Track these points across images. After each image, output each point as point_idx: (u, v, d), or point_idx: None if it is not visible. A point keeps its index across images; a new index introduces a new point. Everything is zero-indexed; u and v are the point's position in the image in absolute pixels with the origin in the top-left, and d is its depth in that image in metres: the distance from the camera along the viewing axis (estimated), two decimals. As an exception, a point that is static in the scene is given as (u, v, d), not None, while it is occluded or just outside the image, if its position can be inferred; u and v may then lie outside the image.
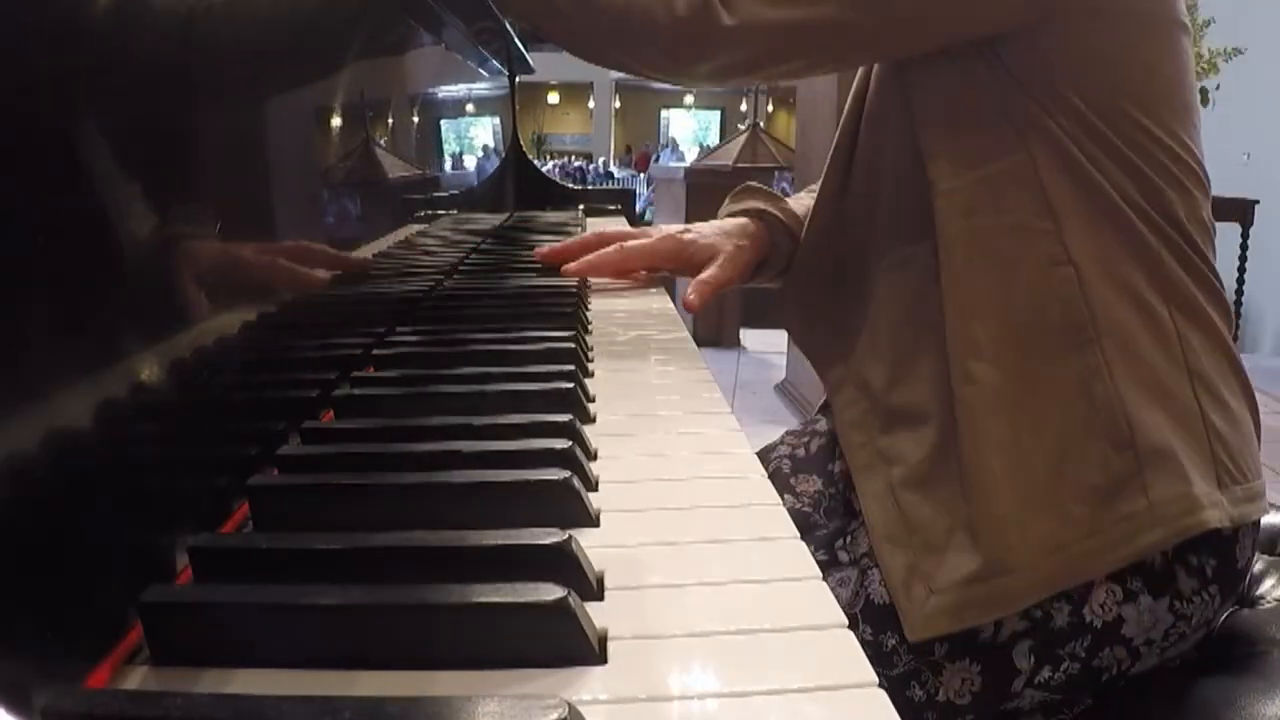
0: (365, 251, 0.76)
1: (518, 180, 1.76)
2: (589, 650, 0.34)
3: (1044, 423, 0.71)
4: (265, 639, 0.34)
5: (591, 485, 0.50)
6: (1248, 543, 0.74)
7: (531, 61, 1.85)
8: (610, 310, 0.98)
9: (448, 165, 1.21)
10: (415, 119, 1.01)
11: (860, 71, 0.90)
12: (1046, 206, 0.73)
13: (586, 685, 0.32)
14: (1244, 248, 4.04)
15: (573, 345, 0.72)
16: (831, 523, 0.93)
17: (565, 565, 0.37)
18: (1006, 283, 0.73)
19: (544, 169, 2.01)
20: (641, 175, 12.91)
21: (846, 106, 0.91)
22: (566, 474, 0.44)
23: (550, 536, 0.38)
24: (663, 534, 0.44)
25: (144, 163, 0.40)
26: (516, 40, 1.68)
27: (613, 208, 1.83)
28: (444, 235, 1.09)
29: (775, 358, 4.03)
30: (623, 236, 1.07)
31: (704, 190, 4.08)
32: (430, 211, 1.05)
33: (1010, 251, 0.74)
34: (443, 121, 1.20)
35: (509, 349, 0.73)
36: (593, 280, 1.11)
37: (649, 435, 0.58)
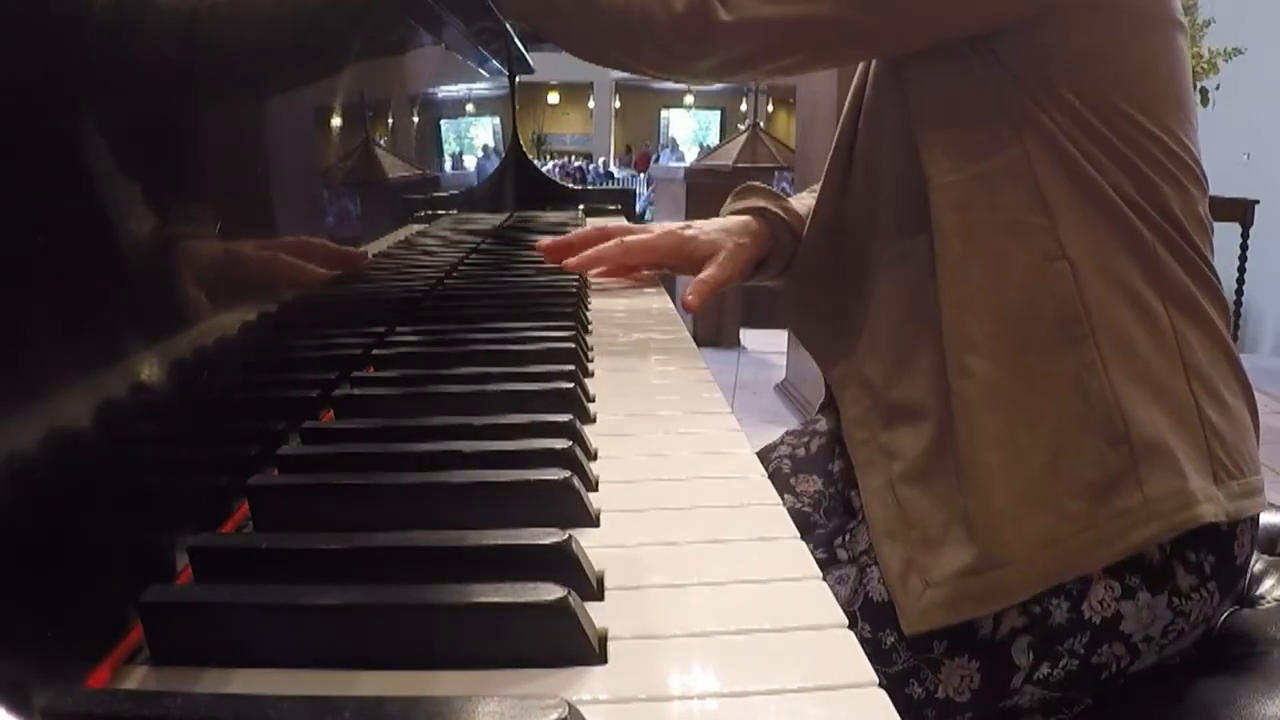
0: (365, 251, 0.76)
1: (518, 180, 1.76)
2: (589, 650, 0.34)
3: (1039, 417, 0.71)
4: (265, 639, 0.34)
5: (591, 485, 0.50)
6: (1246, 539, 0.74)
7: (531, 61, 1.85)
8: (610, 310, 0.98)
9: (448, 165, 1.21)
10: (415, 119, 1.01)
11: (859, 69, 0.90)
12: (1041, 202, 0.73)
13: (586, 685, 0.32)
14: (1244, 248, 4.04)
15: (573, 345, 0.72)
16: (831, 522, 0.93)
17: (565, 565, 0.37)
18: (1001, 278, 0.74)
19: (544, 169, 2.01)
20: (641, 175, 12.91)
21: (845, 105, 0.91)
22: (566, 474, 0.45)
23: (550, 536, 0.38)
24: (663, 534, 0.44)
25: (144, 163, 0.40)
26: (516, 40, 1.68)
27: (612, 208, 1.83)
28: (444, 235, 1.09)
29: (775, 358, 4.02)
30: (624, 231, 1.07)
31: (704, 190, 4.08)
32: (430, 211, 1.05)
33: (1005, 247, 0.74)
34: (443, 121, 1.20)
35: (509, 349, 0.73)
36: (592, 280, 1.11)
37: (649, 435, 0.58)
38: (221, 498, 0.45)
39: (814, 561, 0.41)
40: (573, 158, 18.10)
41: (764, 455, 1.02)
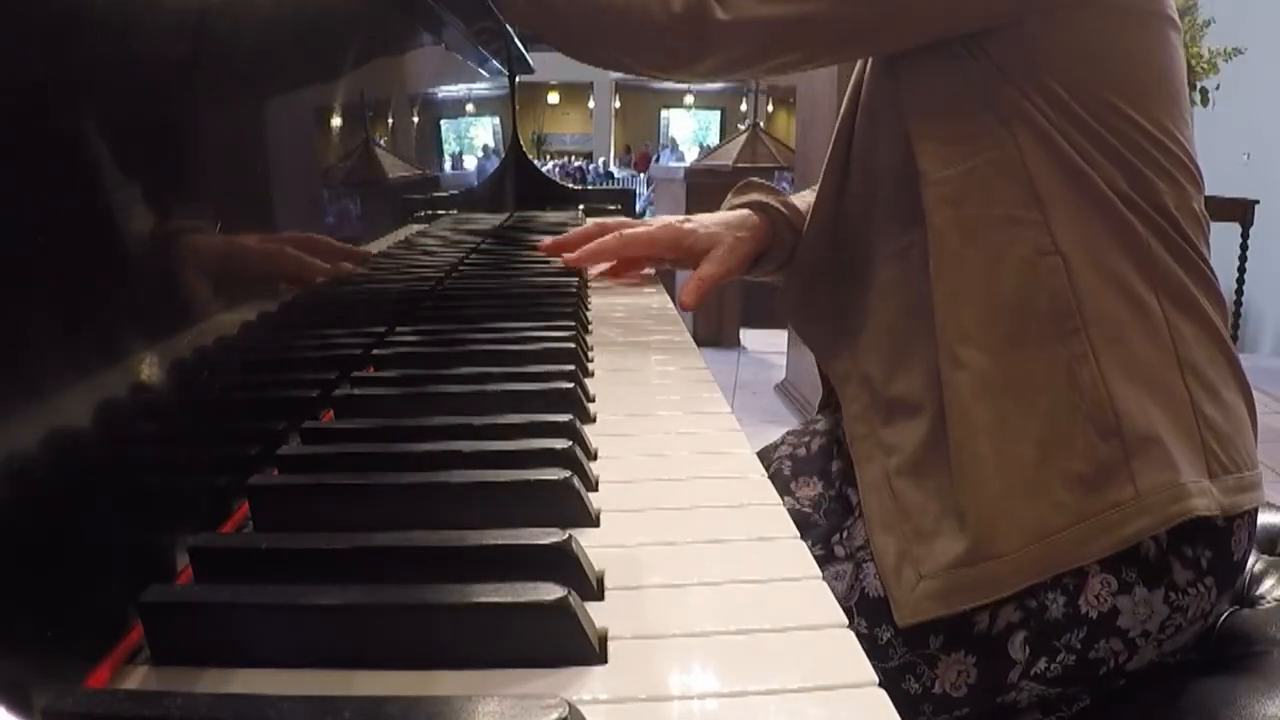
0: (365, 252, 0.76)
1: (518, 180, 1.76)
2: (589, 650, 0.34)
3: (1031, 410, 0.71)
4: (265, 639, 0.34)
5: (591, 485, 0.50)
6: (1243, 535, 0.74)
7: (531, 61, 1.85)
8: (610, 310, 0.98)
9: (448, 165, 1.21)
10: (415, 119, 1.01)
11: (856, 68, 0.91)
12: (1034, 197, 0.73)
13: (586, 685, 0.32)
14: (1244, 248, 4.04)
15: (572, 345, 0.72)
16: (830, 521, 0.93)
17: (565, 565, 0.37)
18: (994, 271, 0.74)
19: (544, 169, 2.01)
20: (641, 175, 12.91)
21: (843, 104, 0.91)
22: (566, 474, 0.45)
23: (550, 536, 0.38)
24: (662, 534, 0.44)
25: (144, 163, 0.40)
26: (516, 40, 1.68)
27: (612, 207, 1.83)
28: (444, 235, 1.09)
29: (775, 358, 4.02)
30: (623, 226, 1.08)
31: (704, 190, 4.08)
32: (430, 211, 1.05)
33: (998, 241, 0.74)
34: (443, 121, 1.20)
35: (509, 349, 0.73)
36: (592, 279, 1.11)
37: (649, 435, 0.58)
38: (221, 498, 0.45)
39: (814, 561, 0.41)
40: (573, 158, 18.10)
41: (764, 455, 1.03)
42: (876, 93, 0.86)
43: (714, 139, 19.11)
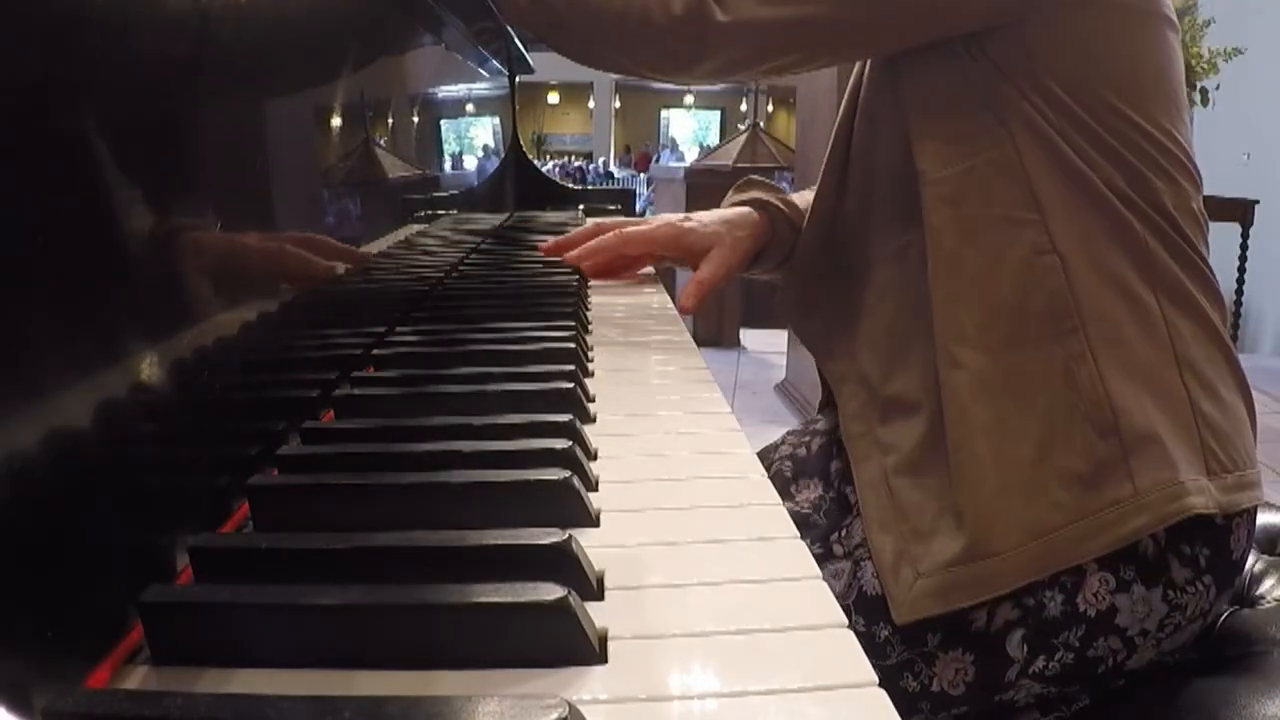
0: (365, 251, 0.76)
1: (518, 180, 1.76)
2: (589, 650, 0.34)
3: (1028, 408, 0.71)
4: (265, 639, 0.34)
5: (591, 485, 0.50)
6: (1242, 534, 0.74)
7: (531, 61, 1.85)
8: (610, 309, 0.98)
9: (448, 165, 1.21)
10: (415, 119, 1.01)
11: (855, 68, 0.91)
12: (1032, 197, 0.74)
13: (586, 685, 0.32)
14: (1244, 248, 4.03)
15: (572, 345, 0.72)
16: (828, 521, 0.93)
17: (565, 565, 0.37)
18: (992, 271, 0.74)
19: (544, 169, 2.01)
20: (641, 175, 12.90)
21: (842, 104, 0.91)
22: (566, 474, 0.45)
23: (550, 536, 0.38)
24: (662, 534, 0.44)
25: (144, 162, 0.40)
26: (516, 40, 1.68)
27: (613, 207, 1.83)
28: (444, 235, 1.09)
29: (775, 358, 4.02)
30: (622, 225, 1.08)
31: (704, 190, 4.08)
32: (430, 211, 1.05)
33: (996, 241, 0.74)
34: (443, 121, 1.20)
35: (509, 349, 0.73)
36: (592, 279, 1.11)
37: (649, 435, 0.58)
38: (221, 498, 0.45)
39: (814, 561, 0.41)
40: (573, 158, 18.10)
41: (765, 455, 1.03)
42: (876, 92, 0.86)
43: (714, 139, 19.11)
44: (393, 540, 0.39)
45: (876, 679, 0.33)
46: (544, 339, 0.75)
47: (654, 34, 0.80)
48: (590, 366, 0.74)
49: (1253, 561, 0.87)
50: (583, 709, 0.30)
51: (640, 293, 1.09)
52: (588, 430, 0.57)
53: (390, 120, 0.90)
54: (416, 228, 0.96)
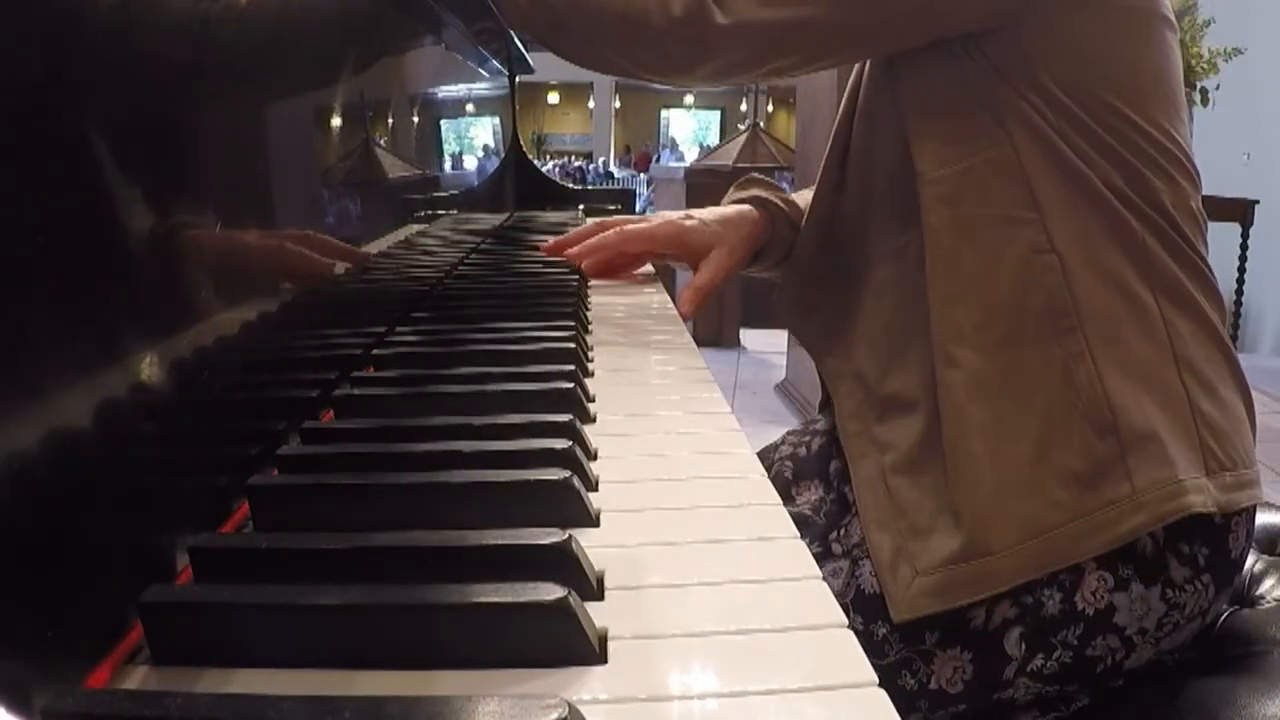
0: (365, 251, 0.76)
1: (518, 180, 1.76)
2: (589, 650, 0.34)
3: (1026, 408, 0.71)
4: (265, 639, 0.34)
5: (591, 485, 0.50)
6: (1241, 533, 0.74)
7: (531, 61, 1.85)
8: (610, 309, 0.98)
9: (448, 165, 1.21)
10: (415, 119, 1.01)
11: (854, 69, 0.91)
12: (1030, 197, 0.74)
13: (586, 685, 0.32)
14: (1244, 248, 4.03)
15: (572, 345, 0.72)
16: (828, 520, 0.93)
17: (565, 565, 0.37)
18: (990, 271, 0.74)
19: (544, 169, 2.01)
20: (641, 175, 12.91)
21: (841, 104, 0.91)
22: (566, 474, 0.44)
23: (550, 536, 0.38)
24: (662, 534, 0.44)
25: (143, 163, 0.40)
26: (516, 40, 1.68)
27: (613, 207, 1.83)
28: (444, 235, 1.09)
29: (775, 358, 4.02)
30: (623, 224, 1.08)
31: (704, 190, 4.08)
32: (430, 211, 1.05)
33: (994, 240, 0.74)
34: (443, 121, 1.20)
35: (509, 349, 0.73)
36: (592, 278, 1.11)
37: (649, 435, 0.58)
38: (221, 498, 0.45)
39: (814, 561, 0.41)
40: (573, 158, 18.10)
41: (765, 455, 1.03)
42: (874, 92, 0.86)
43: (714, 139, 19.12)
44: (393, 540, 0.39)
45: (877, 679, 0.33)
46: (544, 339, 0.75)
47: (654, 36, 0.80)
48: (590, 366, 0.74)
49: (1252, 561, 0.87)
50: (583, 709, 0.30)
51: (640, 293, 1.09)
52: (588, 430, 0.57)
53: (390, 120, 0.90)
54: (416, 228, 0.96)
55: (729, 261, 0.98)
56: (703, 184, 4.21)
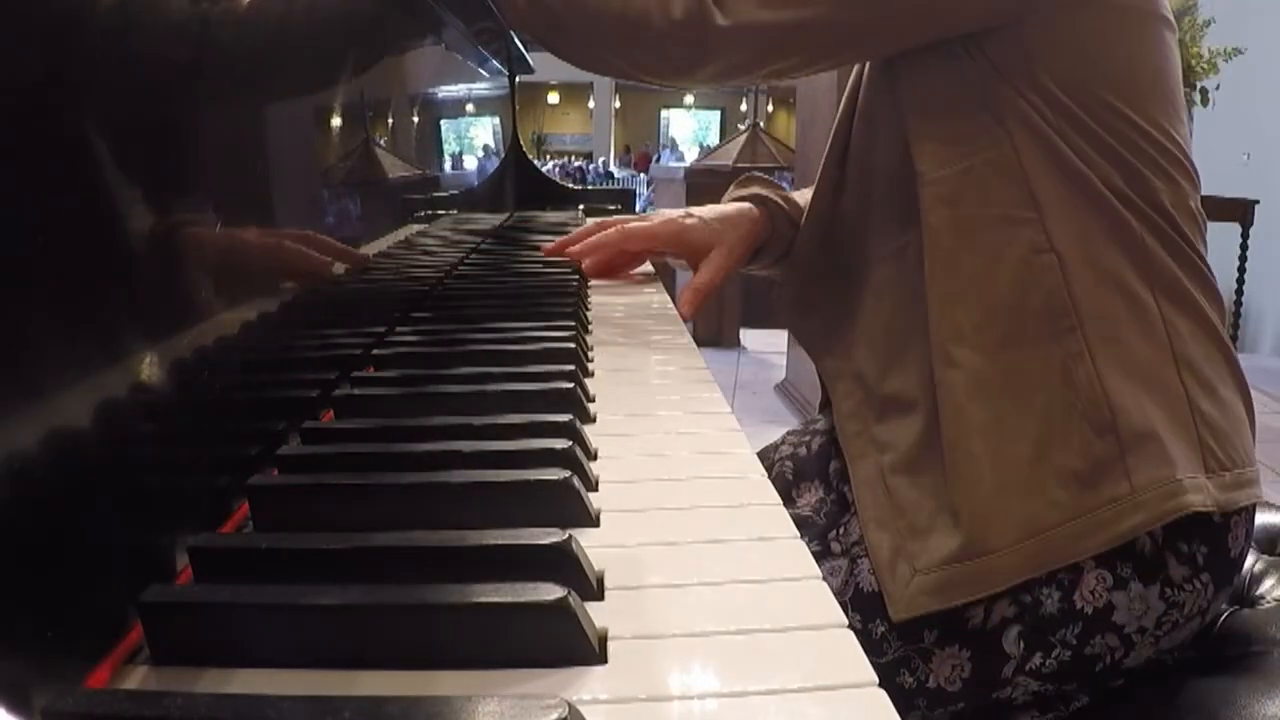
0: (365, 251, 0.76)
1: (518, 180, 1.76)
2: (589, 650, 0.34)
3: (1025, 407, 0.72)
4: (265, 639, 0.34)
5: (591, 485, 0.50)
6: (1240, 532, 0.74)
7: (531, 61, 1.85)
8: (610, 309, 0.98)
9: (448, 165, 1.21)
10: (415, 119, 1.01)
11: (854, 69, 0.91)
12: (1030, 196, 0.74)
13: (586, 685, 0.32)
14: (1244, 248, 4.03)
15: (572, 345, 0.72)
16: (827, 520, 0.93)
17: (565, 565, 0.37)
18: (989, 271, 0.74)
19: (544, 169, 2.01)
20: (641, 175, 12.91)
21: (841, 104, 0.91)
22: (566, 474, 0.45)
23: (550, 536, 0.38)
24: (663, 534, 0.44)
25: (144, 163, 0.40)
26: (516, 40, 1.68)
27: (613, 208, 1.83)
28: (444, 235, 1.09)
29: (775, 358, 4.02)
30: (623, 223, 1.08)
31: (704, 190, 4.08)
32: (430, 211, 1.05)
33: (994, 240, 0.74)
34: (443, 121, 1.20)
35: (509, 349, 0.73)
36: (593, 277, 1.12)
37: (649, 435, 0.58)
38: (221, 498, 0.45)
39: (814, 561, 0.41)
40: (573, 158, 18.10)
41: (765, 455, 1.03)
42: (874, 93, 0.86)
43: (714, 139, 19.12)
44: (393, 540, 0.39)
45: (877, 679, 0.33)
46: (544, 339, 0.75)
47: (653, 38, 0.80)
48: (590, 366, 0.74)
49: (1252, 561, 0.87)
50: (583, 709, 0.30)
51: (640, 293, 1.09)
52: (588, 430, 0.57)
53: (390, 120, 0.90)
54: (416, 228, 0.96)
55: (728, 261, 0.98)
56: (703, 184, 4.21)
